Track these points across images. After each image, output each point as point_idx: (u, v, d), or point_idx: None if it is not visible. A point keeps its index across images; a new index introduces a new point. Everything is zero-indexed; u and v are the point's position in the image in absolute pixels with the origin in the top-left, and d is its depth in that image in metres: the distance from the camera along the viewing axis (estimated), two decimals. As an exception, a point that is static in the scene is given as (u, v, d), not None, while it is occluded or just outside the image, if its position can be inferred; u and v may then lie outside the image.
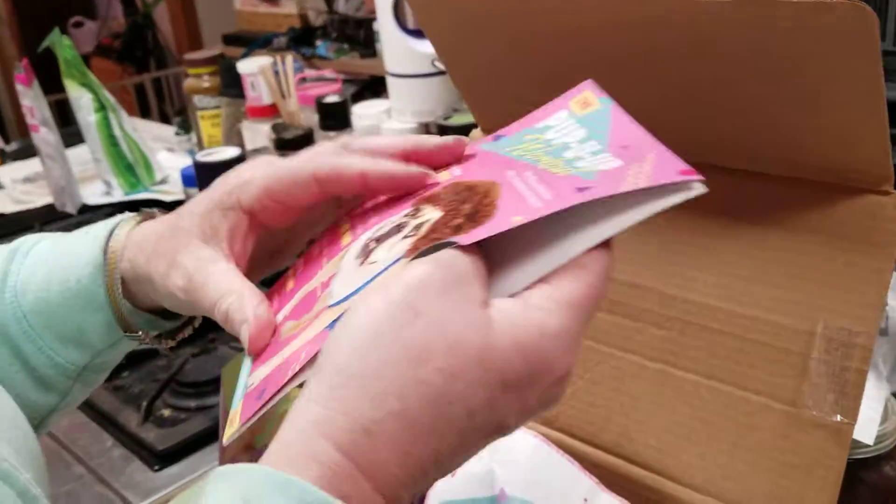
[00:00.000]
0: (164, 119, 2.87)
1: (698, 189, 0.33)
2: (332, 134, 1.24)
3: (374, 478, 0.29)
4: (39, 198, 1.47)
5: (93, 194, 1.43)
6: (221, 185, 0.43)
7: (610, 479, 0.54)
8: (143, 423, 0.82)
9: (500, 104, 0.62)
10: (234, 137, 1.47)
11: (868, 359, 0.47)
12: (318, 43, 2.42)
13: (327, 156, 0.40)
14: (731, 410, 0.52)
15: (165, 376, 0.90)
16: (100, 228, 0.47)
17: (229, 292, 0.39)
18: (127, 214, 0.47)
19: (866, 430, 0.62)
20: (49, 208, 1.42)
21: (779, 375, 0.50)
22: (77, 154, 1.54)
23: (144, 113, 3.08)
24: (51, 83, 1.40)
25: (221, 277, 0.40)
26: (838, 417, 0.48)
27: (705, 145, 0.52)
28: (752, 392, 0.51)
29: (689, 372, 0.53)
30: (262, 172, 0.41)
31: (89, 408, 0.88)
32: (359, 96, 1.49)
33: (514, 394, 0.30)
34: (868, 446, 0.62)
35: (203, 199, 0.43)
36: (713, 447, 0.53)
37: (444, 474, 0.31)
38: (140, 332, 0.46)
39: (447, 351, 0.29)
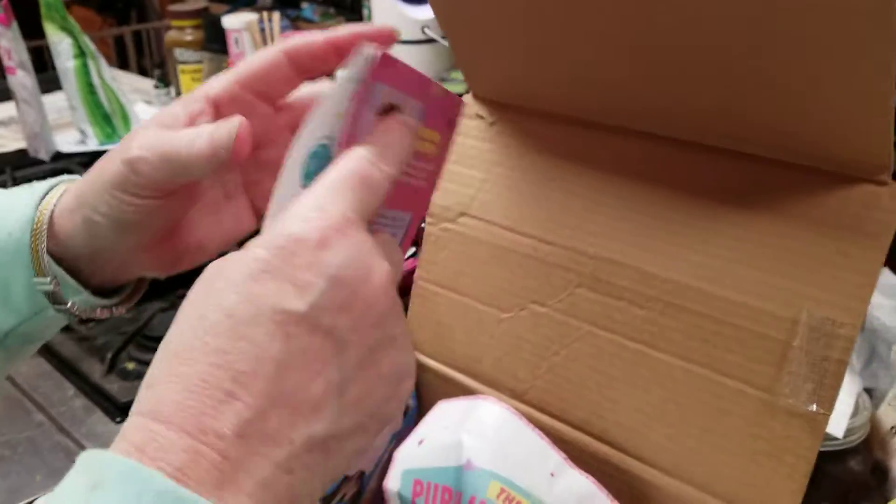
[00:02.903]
0: (143, 74, 2.81)
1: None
2: (316, 96, 1.22)
3: (163, 419, 0.27)
4: (12, 142, 1.44)
5: (67, 142, 1.40)
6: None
7: (576, 455, 0.54)
8: (107, 375, 0.81)
9: (494, 71, 0.61)
10: (214, 94, 1.45)
11: (850, 350, 0.47)
12: (304, 5, 2.38)
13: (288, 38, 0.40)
14: (705, 394, 0.52)
15: (131, 329, 0.88)
16: (42, 183, 0.44)
17: (204, 129, 0.38)
18: (74, 176, 0.45)
19: (837, 423, 0.63)
20: (21, 153, 1.39)
21: (756, 361, 0.50)
22: (53, 101, 1.51)
23: (123, 66, 3.02)
24: (27, 30, 1.36)
25: (190, 130, 0.38)
26: (814, 407, 0.48)
27: (697, 121, 0.51)
28: (728, 377, 0.51)
29: (665, 353, 0.53)
30: (232, 70, 0.41)
31: (52, 356, 0.86)
32: (344, 62, 1.47)
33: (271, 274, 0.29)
34: (837, 439, 0.62)
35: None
36: (683, 430, 0.52)
37: (277, 399, 0.28)
38: (53, 283, 0.43)
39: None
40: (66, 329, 0.89)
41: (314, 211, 0.30)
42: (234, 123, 0.37)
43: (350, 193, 0.31)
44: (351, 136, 0.34)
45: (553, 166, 0.59)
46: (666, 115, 0.53)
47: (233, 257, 0.30)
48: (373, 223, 0.36)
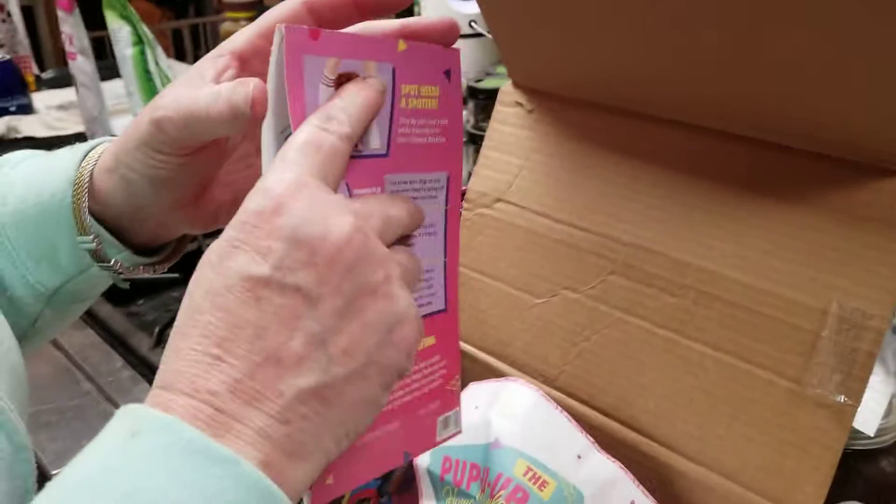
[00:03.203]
0: (200, 65, 2.86)
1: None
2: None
3: (168, 387, 0.30)
4: (72, 125, 1.49)
5: (124, 127, 1.43)
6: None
7: (604, 441, 0.54)
8: (154, 349, 0.84)
9: (533, 60, 0.62)
10: (267, 84, 1.47)
11: (879, 342, 0.47)
12: None
13: None
14: (734, 383, 0.52)
15: (179, 307, 0.91)
16: (83, 145, 0.46)
17: (223, 89, 0.38)
18: (113, 137, 0.46)
19: (869, 421, 0.62)
20: (80, 136, 1.43)
21: (786, 352, 0.50)
22: (112, 87, 1.55)
23: (180, 58, 3.09)
24: (90, 21, 1.40)
25: (209, 90, 0.39)
26: (842, 398, 0.48)
27: (734, 112, 0.52)
28: (758, 366, 0.51)
29: (696, 342, 0.53)
30: (255, 23, 0.41)
31: (102, 329, 0.89)
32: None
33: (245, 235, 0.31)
34: (868, 438, 0.62)
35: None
36: (712, 418, 0.53)
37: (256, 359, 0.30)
38: (95, 241, 0.44)
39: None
40: (117, 303, 0.93)
41: (270, 183, 0.32)
42: (249, 86, 0.38)
43: (303, 159, 0.33)
44: (303, 115, 0.35)
45: (590, 154, 0.59)
46: (702, 106, 0.53)
47: (213, 244, 0.33)
48: (397, 189, 0.37)
